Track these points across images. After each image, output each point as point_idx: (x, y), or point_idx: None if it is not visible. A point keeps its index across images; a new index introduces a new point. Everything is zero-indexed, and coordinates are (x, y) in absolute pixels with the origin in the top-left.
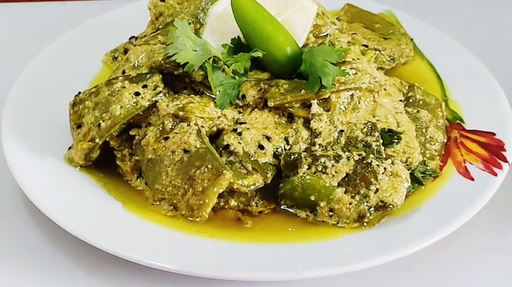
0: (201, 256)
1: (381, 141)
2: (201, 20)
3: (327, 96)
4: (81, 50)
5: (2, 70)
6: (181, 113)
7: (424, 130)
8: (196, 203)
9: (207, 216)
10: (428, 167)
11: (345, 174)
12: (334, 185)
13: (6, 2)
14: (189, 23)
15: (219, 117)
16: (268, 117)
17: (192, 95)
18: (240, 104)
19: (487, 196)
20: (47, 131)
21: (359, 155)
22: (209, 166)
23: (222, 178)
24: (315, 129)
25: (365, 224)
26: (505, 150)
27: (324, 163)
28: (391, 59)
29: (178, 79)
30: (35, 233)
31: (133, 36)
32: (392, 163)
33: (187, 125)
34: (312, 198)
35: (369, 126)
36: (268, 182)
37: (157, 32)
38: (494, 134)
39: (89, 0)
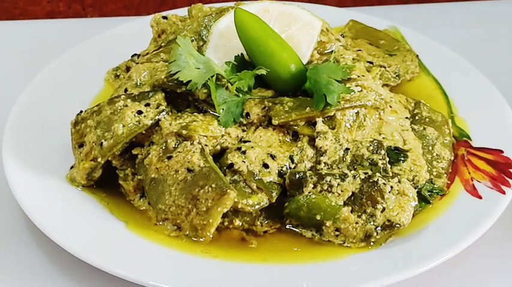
0: (205, 276)
1: (387, 159)
2: (204, 37)
3: (332, 114)
4: (83, 68)
5: (3, 89)
6: (184, 132)
7: (430, 148)
8: (200, 223)
9: (211, 236)
10: (435, 186)
11: (351, 193)
12: (340, 204)
13: (6, 19)
14: (192, 41)
15: (222, 135)
16: (273, 135)
17: (195, 114)
18: (244, 122)
19: (496, 214)
20: (48, 150)
21: (365, 173)
22: (213, 185)
23: (227, 198)
24: (320, 147)
25: (372, 243)
26: None
27: (330, 181)
28: (396, 76)
29: (181, 97)
30: (36, 254)
31: (135, 54)
32: (399, 182)
33: (191, 144)
34: (318, 217)
35: (375, 144)
36: (273, 201)
37: (160, 49)
38: (502, 151)
39: (90, 18)
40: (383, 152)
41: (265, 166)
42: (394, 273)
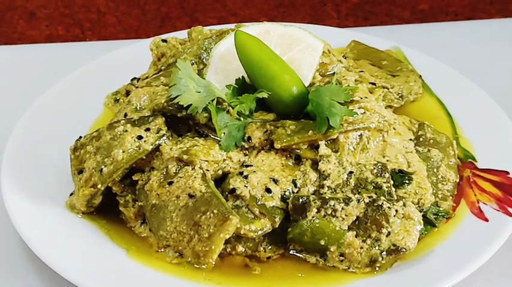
0: None
1: (392, 182)
2: (204, 60)
3: (335, 136)
4: (82, 93)
5: (1, 114)
6: (185, 157)
7: (435, 170)
8: (202, 249)
9: (214, 263)
10: (440, 208)
11: (355, 217)
12: (344, 229)
13: (5, 44)
14: (192, 64)
15: (224, 160)
16: (275, 159)
17: (196, 138)
18: (246, 146)
19: (503, 237)
20: (47, 177)
21: (369, 197)
22: (215, 211)
23: (229, 223)
24: (324, 171)
25: (377, 268)
26: None
27: (334, 205)
28: (399, 97)
29: (181, 122)
30: (35, 282)
31: (135, 78)
32: (404, 205)
33: (192, 169)
34: (322, 242)
35: (379, 167)
36: (276, 226)
37: (160, 73)
38: (508, 172)
39: (89, 41)
40: (387, 175)
41: (268, 190)
42: None
